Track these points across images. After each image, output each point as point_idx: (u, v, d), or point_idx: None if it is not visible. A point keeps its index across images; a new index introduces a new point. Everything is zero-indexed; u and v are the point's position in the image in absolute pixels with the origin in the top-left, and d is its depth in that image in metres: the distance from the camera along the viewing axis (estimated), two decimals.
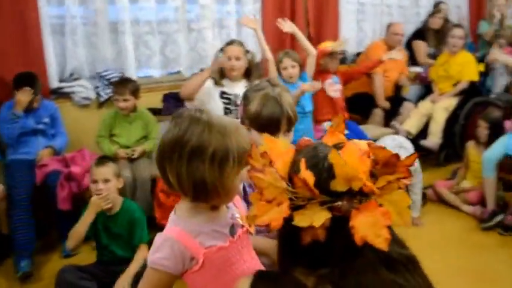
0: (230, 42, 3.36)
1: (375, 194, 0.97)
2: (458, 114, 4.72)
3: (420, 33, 5.38)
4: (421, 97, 5.02)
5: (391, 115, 4.78)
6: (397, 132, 4.39)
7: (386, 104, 4.77)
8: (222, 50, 3.29)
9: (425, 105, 4.80)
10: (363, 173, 0.96)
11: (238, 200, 1.38)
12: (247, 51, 3.33)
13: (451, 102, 4.74)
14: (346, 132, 1.11)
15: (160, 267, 1.19)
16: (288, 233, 0.99)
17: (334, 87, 4.18)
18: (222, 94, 3.30)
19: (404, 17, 5.35)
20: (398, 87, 5.02)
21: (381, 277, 0.96)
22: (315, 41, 4.53)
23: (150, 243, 1.28)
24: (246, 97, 1.71)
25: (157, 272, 1.20)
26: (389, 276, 0.97)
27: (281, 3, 4.44)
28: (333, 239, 0.95)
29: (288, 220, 0.95)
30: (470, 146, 3.98)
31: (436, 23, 5.31)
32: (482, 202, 3.76)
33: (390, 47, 4.78)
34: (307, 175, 0.95)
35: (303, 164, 0.96)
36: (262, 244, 1.50)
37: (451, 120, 4.69)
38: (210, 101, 3.28)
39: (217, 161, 1.15)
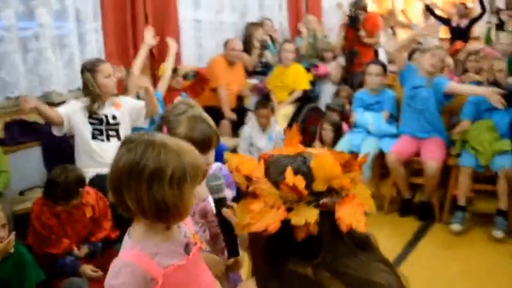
0: (98, 61, 3.26)
1: (348, 189, 1.10)
2: (296, 119, 5.16)
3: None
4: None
5: (237, 125, 5.01)
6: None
7: (233, 115, 4.98)
8: (89, 70, 3.12)
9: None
10: (339, 173, 1.09)
11: (188, 219, 1.39)
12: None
13: (289, 110, 5.17)
14: None
15: None
16: (279, 234, 1.04)
17: None
18: (91, 115, 3.16)
19: (237, 32, 5.64)
20: (240, 98, 5.29)
21: (359, 257, 1.09)
22: (158, 59, 4.55)
23: None
24: (169, 122, 1.67)
25: None
26: (364, 255, 1.10)
27: (122, 21, 4.34)
28: (321, 231, 1.05)
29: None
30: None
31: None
32: None
33: (230, 63, 5.03)
34: (297, 180, 1.04)
35: (290, 171, 1.05)
36: (206, 259, 1.52)
37: (291, 126, 5.09)
38: (78, 123, 3.11)
39: (175, 181, 1.17)
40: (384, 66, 4.35)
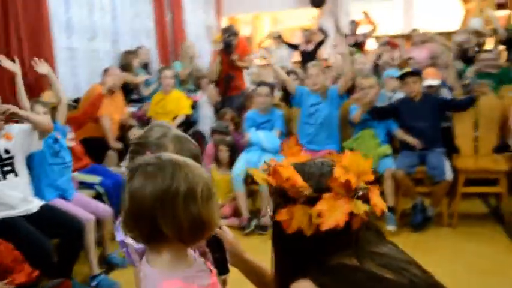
0: None
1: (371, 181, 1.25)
2: None
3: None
4: None
5: (123, 154, 4.89)
6: None
7: (118, 145, 4.85)
8: None
9: None
10: (368, 169, 1.25)
11: None
12: None
13: None
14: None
15: None
16: (316, 233, 1.15)
17: (68, 136, 4.05)
18: None
19: (112, 60, 5.53)
20: (123, 127, 5.16)
21: (385, 244, 1.27)
22: (35, 88, 4.28)
23: None
24: (152, 146, 1.60)
25: None
26: (386, 241, 1.28)
27: None
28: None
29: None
30: (213, 169, 4.51)
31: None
32: (235, 213, 4.34)
33: (109, 91, 4.90)
34: (350, 176, 1.17)
35: (339, 169, 1.18)
36: None
37: None
38: None
39: (205, 197, 1.18)
40: (271, 87, 4.67)
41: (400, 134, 4.22)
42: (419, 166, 4.04)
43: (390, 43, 6.84)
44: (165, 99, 5.29)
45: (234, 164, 4.39)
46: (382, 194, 3.83)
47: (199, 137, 5.28)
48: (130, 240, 1.46)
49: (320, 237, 1.13)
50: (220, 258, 1.53)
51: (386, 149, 4.13)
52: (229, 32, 5.58)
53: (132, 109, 5.49)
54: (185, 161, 1.22)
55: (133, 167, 1.19)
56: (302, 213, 1.15)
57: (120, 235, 1.54)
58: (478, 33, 6.58)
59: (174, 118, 5.26)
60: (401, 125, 4.23)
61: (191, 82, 6.20)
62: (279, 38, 8.04)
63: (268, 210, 1.35)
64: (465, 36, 6.14)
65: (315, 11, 8.88)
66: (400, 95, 4.58)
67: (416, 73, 4.29)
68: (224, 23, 9.04)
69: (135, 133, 4.53)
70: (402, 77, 4.30)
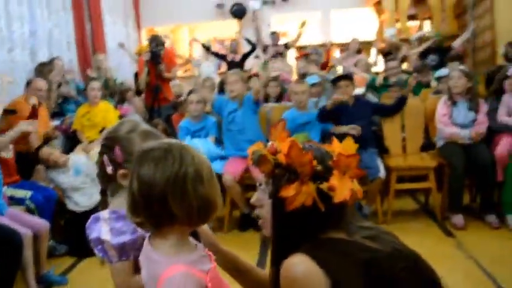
0: None
1: None
2: None
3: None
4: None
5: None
6: None
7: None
8: None
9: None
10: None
11: None
12: None
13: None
14: None
15: None
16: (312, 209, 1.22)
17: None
18: None
19: (29, 72, 5.23)
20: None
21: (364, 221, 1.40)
22: None
23: None
24: (120, 140, 1.56)
25: None
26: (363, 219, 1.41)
27: None
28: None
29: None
30: None
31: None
32: None
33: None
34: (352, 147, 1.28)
35: (335, 142, 1.30)
36: None
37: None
38: None
39: (208, 178, 1.23)
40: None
41: (337, 129, 4.29)
42: None
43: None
44: (92, 111, 5.07)
45: None
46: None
47: None
48: (107, 236, 1.44)
49: (317, 213, 1.21)
50: None
51: None
52: (156, 42, 5.48)
53: (56, 122, 5.21)
54: (187, 144, 1.26)
55: (140, 153, 1.22)
56: (310, 189, 1.21)
57: (94, 232, 1.48)
58: (394, 44, 7.06)
59: (102, 130, 5.05)
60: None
61: (108, 96, 5.98)
62: (207, 49, 8.02)
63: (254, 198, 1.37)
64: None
65: (235, 23, 8.98)
66: (323, 101, 4.71)
67: (348, 77, 4.45)
68: (144, 34, 8.91)
69: (44, 151, 4.31)
70: (335, 81, 4.44)
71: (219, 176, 4.25)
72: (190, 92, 4.71)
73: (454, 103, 4.20)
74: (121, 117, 5.44)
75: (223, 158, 4.41)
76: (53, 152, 4.33)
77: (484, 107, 4.19)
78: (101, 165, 1.59)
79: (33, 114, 4.06)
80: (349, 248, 1.22)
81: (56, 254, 3.88)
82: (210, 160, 4.18)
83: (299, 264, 1.17)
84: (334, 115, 4.34)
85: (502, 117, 4.17)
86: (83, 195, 4.11)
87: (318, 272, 1.15)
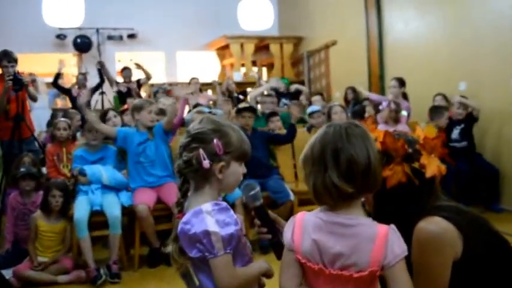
0: None
1: None
2: None
3: None
4: None
5: None
6: None
7: None
8: None
9: None
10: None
11: None
12: None
13: None
14: None
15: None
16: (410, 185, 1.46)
17: None
18: None
19: None
20: None
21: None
22: None
23: None
24: (220, 133, 1.52)
25: None
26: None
27: None
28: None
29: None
30: (38, 219, 3.79)
31: None
32: (77, 266, 3.75)
33: None
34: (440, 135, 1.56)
35: (419, 130, 1.57)
36: None
37: None
38: None
39: None
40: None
41: None
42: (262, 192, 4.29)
43: (168, 92, 7.15)
44: None
45: (65, 212, 3.82)
46: None
47: None
48: (215, 228, 1.39)
49: (413, 188, 1.44)
50: (277, 242, 1.54)
51: None
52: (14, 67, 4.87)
53: None
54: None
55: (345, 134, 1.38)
56: (404, 168, 1.44)
57: (197, 226, 1.39)
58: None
59: None
60: None
61: None
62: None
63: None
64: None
65: (72, 57, 8.48)
66: None
67: (252, 109, 4.64)
68: None
69: None
70: (239, 111, 4.57)
71: (130, 209, 3.94)
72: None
73: None
74: None
75: (128, 190, 4.11)
76: None
77: None
78: (193, 160, 1.49)
79: None
80: (459, 209, 1.45)
81: None
82: (116, 193, 3.96)
83: (434, 223, 1.36)
84: None
85: None
86: None
87: (451, 228, 1.35)
